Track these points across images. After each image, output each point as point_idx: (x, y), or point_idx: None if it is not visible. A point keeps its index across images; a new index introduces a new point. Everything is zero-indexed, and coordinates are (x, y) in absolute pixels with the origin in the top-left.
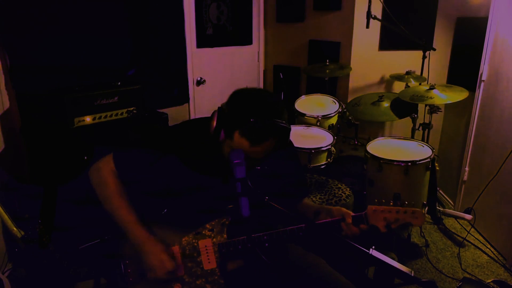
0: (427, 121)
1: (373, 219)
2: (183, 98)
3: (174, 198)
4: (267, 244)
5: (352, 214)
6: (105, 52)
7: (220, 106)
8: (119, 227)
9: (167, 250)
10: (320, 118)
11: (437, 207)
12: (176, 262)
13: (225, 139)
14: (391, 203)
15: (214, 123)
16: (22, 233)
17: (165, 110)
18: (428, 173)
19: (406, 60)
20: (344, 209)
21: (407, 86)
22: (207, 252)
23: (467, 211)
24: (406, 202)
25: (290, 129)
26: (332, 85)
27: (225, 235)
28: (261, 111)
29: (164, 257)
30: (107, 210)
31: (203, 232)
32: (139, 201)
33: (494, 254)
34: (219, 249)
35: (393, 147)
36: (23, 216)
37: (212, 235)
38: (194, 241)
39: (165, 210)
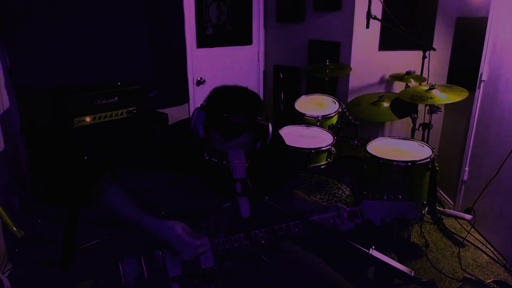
0: (427, 121)
1: (367, 213)
2: (183, 98)
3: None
4: (263, 241)
5: (348, 209)
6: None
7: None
8: (130, 226)
9: (187, 227)
10: (320, 118)
11: (437, 207)
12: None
13: (205, 136)
14: (385, 198)
15: (194, 120)
16: (22, 233)
17: (165, 110)
18: (428, 173)
19: (406, 60)
20: (339, 204)
21: (407, 86)
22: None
23: (467, 211)
24: (400, 196)
25: (267, 125)
26: (332, 85)
27: (221, 234)
28: (234, 106)
29: (185, 237)
30: (113, 216)
31: (200, 230)
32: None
33: (494, 254)
34: (216, 247)
35: (393, 147)
36: (23, 216)
37: (209, 233)
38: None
39: (163, 213)
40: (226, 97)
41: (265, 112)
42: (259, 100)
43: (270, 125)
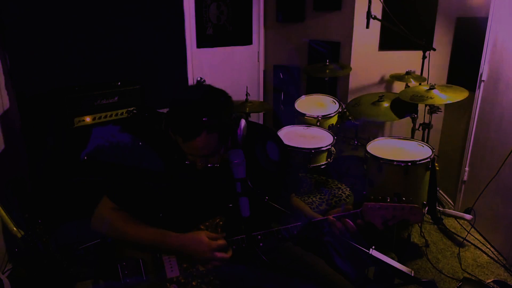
0: (427, 121)
1: (369, 216)
2: None
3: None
4: (261, 244)
5: (348, 212)
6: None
7: None
8: (150, 249)
9: (210, 229)
10: (320, 118)
11: (437, 207)
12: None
13: (175, 138)
14: (388, 200)
15: (163, 123)
16: (22, 233)
17: (165, 110)
18: (428, 173)
19: (406, 60)
20: (338, 209)
21: (407, 86)
22: None
23: (467, 211)
24: (404, 198)
25: (229, 123)
26: (332, 85)
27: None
28: (186, 107)
29: (213, 243)
30: (130, 243)
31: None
32: (134, 208)
33: (494, 254)
34: None
35: (393, 147)
36: (23, 216)
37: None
38: None
39: (161, 215)
40: (181, 98)
41: (229, 109)
42: (217, 99)
43: (242, 121)
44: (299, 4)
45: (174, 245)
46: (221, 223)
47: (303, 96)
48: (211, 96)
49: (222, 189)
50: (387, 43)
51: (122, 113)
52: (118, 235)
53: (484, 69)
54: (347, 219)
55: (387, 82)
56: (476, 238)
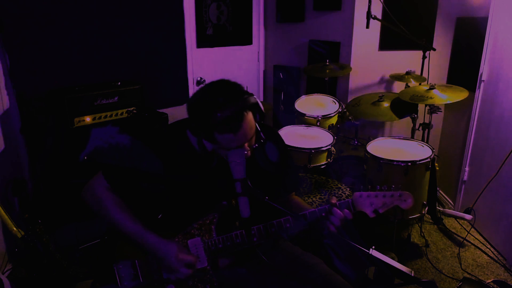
0: (427, 121)
1: (359, 205)
2: (183, 98)
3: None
4: (255, 239)
5: (339, 201)
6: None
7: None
8: (128, 238)
9: (182, 245)
10: (320, 118)
11: (437, 207)
12: (195, 255)
13: (213, 147)
14: (378, 188)
15: (194, 142)
16: (22, 233)
17: (165, 110)
18: (428, 173)
19: (406, 60)
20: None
21: (407, 86)
22: (197, 251)
23: (467, 211)
24: (393, 186)
25: (252, 95)
26: (332, 85)
27: (213, 233)
28: (219, 101)
29: (182, 256)
30: (110, 225)
31: (192, 231)
32: (134, 208)
33: (494, 254)
34: (208, 247)
35: (393, 147)
36: (23, 216)
37: (201, 233)
38: (183, 241)
39: (160, 216)
40: (207, 101)
41: (242, 87)
42: (228, 82)
43: (253, 96)
44: (299, 4)
45: (150, 245)
46: (214, 220)
47: (303, 96)
48: (223, 84)
49: (220, 189)
50: (387, 43)
51: (122, 113)
52: (102, 214)
53: (484, 69)
54: (334, 208)
55: (387, 82)
56: (476, 238)
